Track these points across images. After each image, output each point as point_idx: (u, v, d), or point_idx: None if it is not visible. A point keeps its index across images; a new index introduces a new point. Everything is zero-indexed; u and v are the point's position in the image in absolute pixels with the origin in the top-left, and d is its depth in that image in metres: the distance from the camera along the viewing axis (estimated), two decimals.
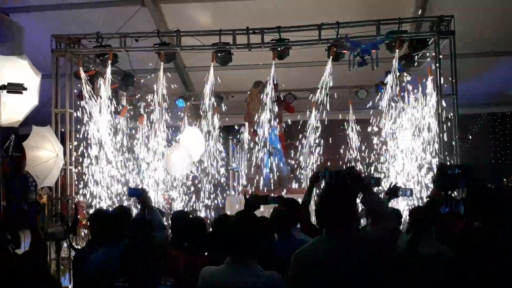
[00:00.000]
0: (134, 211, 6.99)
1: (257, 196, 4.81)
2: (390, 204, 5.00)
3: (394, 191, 5.19)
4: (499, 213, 4.13)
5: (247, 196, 4.65)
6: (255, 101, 10.97)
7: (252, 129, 11.08)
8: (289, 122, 12.16)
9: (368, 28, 8.97)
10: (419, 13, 10.12)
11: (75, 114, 9.45)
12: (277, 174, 10.90)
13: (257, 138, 10.71)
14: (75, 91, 9.57)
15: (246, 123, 11.46)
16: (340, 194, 3.44)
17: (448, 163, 8.17)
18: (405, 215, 7.44)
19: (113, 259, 4.27)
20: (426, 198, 5.40)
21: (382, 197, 5.44)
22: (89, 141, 9.50)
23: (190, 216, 5.50)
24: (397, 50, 8.98)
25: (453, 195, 5.26)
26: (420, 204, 7.82)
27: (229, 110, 12.52)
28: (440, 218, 4.55)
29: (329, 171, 4.09)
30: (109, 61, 9.34)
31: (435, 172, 5.41)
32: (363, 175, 4.09)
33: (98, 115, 9.49)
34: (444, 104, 8.85)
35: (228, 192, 11.85)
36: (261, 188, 10.70)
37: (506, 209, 4.16)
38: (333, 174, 3.90)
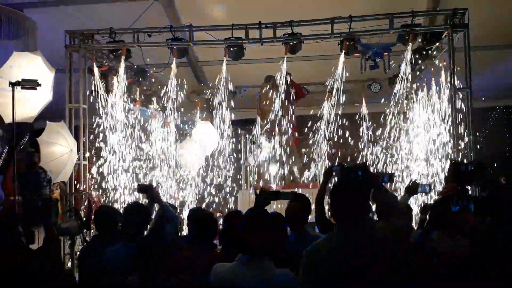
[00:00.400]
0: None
1: (267, 191, 4.81)
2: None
3: (413, 188, 5.18)
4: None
5: (257, 192, 4.66)
6: (267, 99, 10.96)
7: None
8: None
9: (381, 22, 8.91)
10: (433, 6, 10.03)
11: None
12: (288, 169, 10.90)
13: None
14: (89, 89, 9.62)
15: (259, 118, 11.45)
16: (351, 190, 3.44)
17: (460, 159, 8.11)
18: (416, 211, 7.43)
19: (128, 256, 4.34)
20: (438, 195, 5.36)
21: (396, 194, 5.45)
22: (103, 137, 9.56)
23: (205, 212, 5.49)
24: (410, 44, 8.91)
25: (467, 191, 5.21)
26: (431, 201, 7.76)
27: (241, 104, 12.51)
28: (450, 216, 4.52)
29: (341, 167, 4.09)
30: (123, 57, 9.38)
31: (447, 169, 5.36)
32: (375, 171, 4.09)
33: (111, 110, 9.53)
34: (458, 97, 8.78)
35: (240, 188, 11.87)
36: (272, 184, 10.68)
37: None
38: (345, 170, 3.90)
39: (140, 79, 10.49)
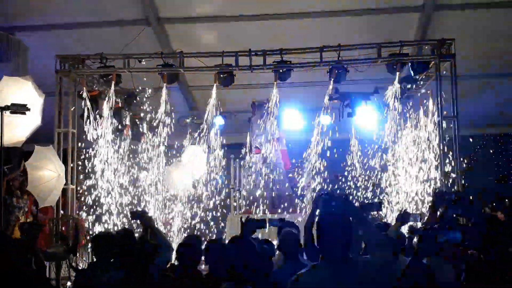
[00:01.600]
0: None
1: (253, 220, 4.81)
2: None
3: (404, 218, 5.23)
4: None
5: (243, 220, 4.67)
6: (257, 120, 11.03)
7: (254, 146, 11.12)
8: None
9: (370, 51, 9.05)
10: (420, 36, 10.21)
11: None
12: (277, 193, 10.91)
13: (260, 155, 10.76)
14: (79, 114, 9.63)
15: (249, 142, 11.49)
16: (334, 221, 3.44)
17: (444, 189, 8.18)
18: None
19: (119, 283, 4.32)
20: (422, 224, 5.40)
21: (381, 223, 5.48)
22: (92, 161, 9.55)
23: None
24: (398, 73, 9.04)
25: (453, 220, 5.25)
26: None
27: (232, 128, 12.54)
28: (437, 247, 4.55)
29: (321, 198, 4.10)
30: (113, 82, 9.41)
31: (432, 198, 5.43)
32: (360, 200, 4.13)
33: (101, 135, 9.54)
34: (445, 125, 8.89)
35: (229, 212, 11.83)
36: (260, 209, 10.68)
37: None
38: (326, 201, 3.89)
39: (130, 104, 10.47)
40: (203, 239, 9.72)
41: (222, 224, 11.82)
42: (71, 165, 9.36)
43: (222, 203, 12.00)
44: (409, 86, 9.60)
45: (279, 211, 10.56)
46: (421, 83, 9.99)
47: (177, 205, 11.39)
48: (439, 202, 5.22)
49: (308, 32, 10.42)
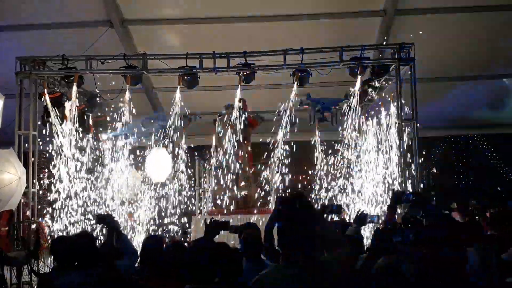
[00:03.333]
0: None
1: (217, 221, 4.84)
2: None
3: (362, 219, 5.33)
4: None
5: (207, 222, 4.69)
6: (224, 122, 11.05)
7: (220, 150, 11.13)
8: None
9: (332, 54, 9.18)
10: (382, 40, 10.42)
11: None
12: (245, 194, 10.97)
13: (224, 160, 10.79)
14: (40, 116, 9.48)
15: (214, 144, 11.51)
16: (292, 221, 3.49)
17: (402, 190, 8.36)
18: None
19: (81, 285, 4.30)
20: (379, 225, 5.52)
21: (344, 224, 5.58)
22: (54, 163, 9.42)
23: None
24: (359, 76, 9.20)
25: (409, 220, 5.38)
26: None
27: (197, 130, 12.55)
28: (392, 246, 4.66)
29: (280, 197, 4.16)
30: (75, 83, 9.29)
31: (390, 199, 5.56)
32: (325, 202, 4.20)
33: (63, 137, 9.41)
34: (406, 128, 9.08)
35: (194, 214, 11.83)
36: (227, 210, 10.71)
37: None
38: (284, 201, 3.93)
39: (93, 106, 10.36)
40: (167, 240, 9.82)
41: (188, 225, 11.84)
42: (32, 167, 9.20)
43: (187, 204, 12.01)
44: (370, 89, 9.76)
45: (245, 211, 10.63)
46: (384, 85, 10.17)
47: (142, 207, 11.34)
48: (397, 202, 5.36)
49: (272, 35, 10.53)
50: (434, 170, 10.76)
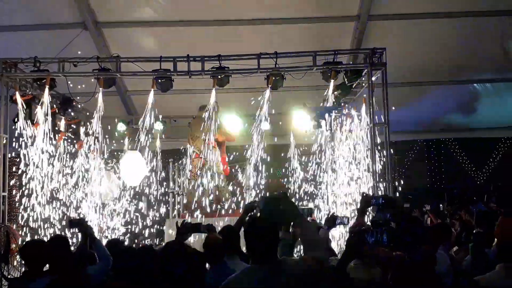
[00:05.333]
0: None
1: (188, 224, 4.85)
2: None
3: (332, 221, 5.40)
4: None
5: (179, 225, 4.70)
6: (199, 123, 11.04)
7: (195, 152, 11.11)
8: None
9: (306, 59, 9.25)
10: (356, 45, 10.53)
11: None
12: (217, 195, 10.98)
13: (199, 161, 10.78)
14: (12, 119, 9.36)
15: (188, 147, 11.49)
16: (267, 223, 3.52)
17: (372, 193, 8.46)
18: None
19: None
20: (349, 228, 5.59)
21: (315, 226, 5.63)
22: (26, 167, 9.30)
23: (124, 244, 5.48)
24: (332, 80, 9.28)
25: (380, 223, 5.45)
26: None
27: (171, 134, 12.52)
28: (365, 248, 4.71)
29: (264, 197, 4.17)
30: (47, 86, 9.19)
31: (360, 202, 5.63)
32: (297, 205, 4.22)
33: (35, 141, 9.30)
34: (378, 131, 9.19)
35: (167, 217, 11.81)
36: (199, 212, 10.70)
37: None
38: (268, 200, 3.94)
39: (66, 109, 10.25)
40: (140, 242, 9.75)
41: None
42: (3, 171, 9.07)
43: (162, 207, 12.00)
44: (343, 93, 9.86)
45: (217, 215, 10.63)
46: (356, 90, 10.29)
47: (116, 210, 11.29)
48: (366, 205, 5.43)
49: (246, 39, 10.56)
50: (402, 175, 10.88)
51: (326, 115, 9.61)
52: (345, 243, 5.19)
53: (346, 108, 10.79)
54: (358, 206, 5.78)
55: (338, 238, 9.08)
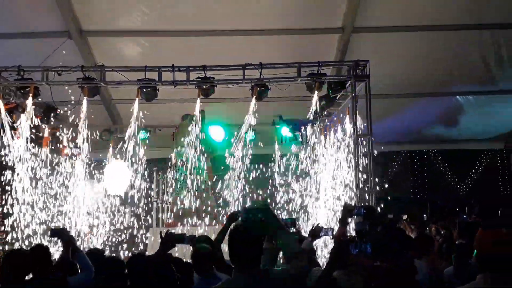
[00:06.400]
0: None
1: (172, 234, 4.84)
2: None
3: (316, 232, 5.42)
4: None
5: (163, 235, 4.69)
6: (182, 132, 11.05)
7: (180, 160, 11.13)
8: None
9: (290, 70, 9.32)
10: (340, 57, 10.62)
11: None
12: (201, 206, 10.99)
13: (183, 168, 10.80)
14: None
15: (173, 155, 11.49)
16: (250, 233, 3.52)
17: (355, 203, 8.52)
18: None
19: None
20: (331, 238, 5.62)
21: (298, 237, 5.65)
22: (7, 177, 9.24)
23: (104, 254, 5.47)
24: (316, 92, 9.35)
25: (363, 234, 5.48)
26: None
27: (156, 143, 12.49)
28: (349, 258, 4.74)
29: (245, 207, 4.17)
30: (30, 95, 9.14)
31: (341, 212, 5.66)
32: (279, 216, 4.25)
33: (18, 148, 9.24)
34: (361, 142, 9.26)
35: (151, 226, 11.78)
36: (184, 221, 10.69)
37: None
38: (249, 211, 3.94)
39: (49, 118, 10.19)
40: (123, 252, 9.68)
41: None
42: None
43: (145, 217, 11.96)
44: (327, 105, 9.93)
45: (202, 223, 10.63)
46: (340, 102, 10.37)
47: (100, 219, 11.23)
48: (348, 215, 5.46)
49: (231, 49, 10.60)
50: (386, 186, 10.96)
51: (302, 128, 9.71)
52: (328, 253, 5.21)
53: (328, 121, 10.91)
54: (340, 216, 5.80)
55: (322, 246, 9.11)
